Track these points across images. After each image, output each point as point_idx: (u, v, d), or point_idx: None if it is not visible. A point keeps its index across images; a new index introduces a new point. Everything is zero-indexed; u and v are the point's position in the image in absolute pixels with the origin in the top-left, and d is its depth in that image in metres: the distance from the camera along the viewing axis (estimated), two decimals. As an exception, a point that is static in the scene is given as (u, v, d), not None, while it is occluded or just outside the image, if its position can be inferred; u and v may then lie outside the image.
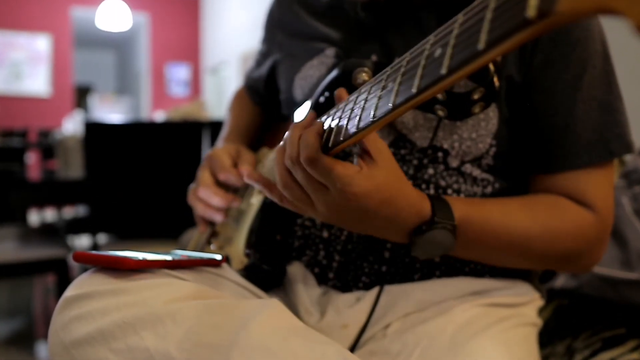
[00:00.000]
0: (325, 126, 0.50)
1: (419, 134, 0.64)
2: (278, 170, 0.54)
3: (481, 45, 0.30)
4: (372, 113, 0.42)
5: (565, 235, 0.61)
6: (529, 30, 0.27)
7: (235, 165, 0.79)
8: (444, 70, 0.33)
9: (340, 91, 0.53)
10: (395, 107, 0.39)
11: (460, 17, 0.34)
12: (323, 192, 0.51)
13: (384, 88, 0.42)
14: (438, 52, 0.35)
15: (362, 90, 0.47)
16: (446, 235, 0.54)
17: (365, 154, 0.50)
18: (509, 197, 0.63)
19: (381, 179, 0.50)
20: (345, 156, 0.68)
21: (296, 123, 0.53)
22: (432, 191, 0.65)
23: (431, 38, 0.37)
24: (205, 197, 0.77)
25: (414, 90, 0.37)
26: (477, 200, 0.61)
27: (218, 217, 0.77)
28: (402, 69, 0.40)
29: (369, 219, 0.52)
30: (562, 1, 0.25)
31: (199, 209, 0.79)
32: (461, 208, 0.56)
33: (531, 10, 0.26)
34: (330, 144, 0.48)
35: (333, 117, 0.50)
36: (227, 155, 0.79)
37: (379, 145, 0.50)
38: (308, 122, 0.53)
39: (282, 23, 0.83)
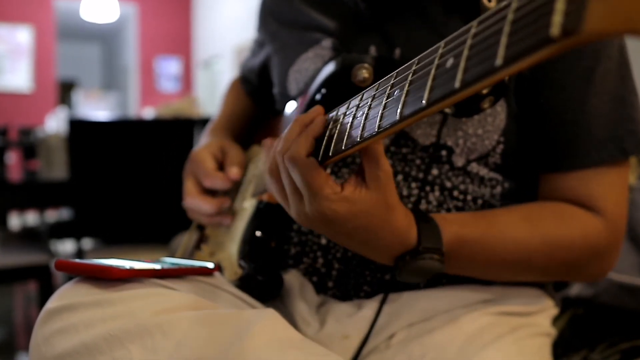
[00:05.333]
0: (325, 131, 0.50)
1: (421, 132, 0.64)
2: (267, 158, 0.55)
3: (499, 61, 0.30)
4: (377, 123, 0.42)
5: (569, 245, 0.60)
6: (551, 48, 0.27)
7: (221, 166, 0.79)
8: (457, 84, 0.33)
9: (315, 112, 0.52)
10: (402, 118, 0.39)
11: (473, 26, 0.33)
12: (298, 199, 0.51)
13: (389, 96, 0.42)
14: (450, 62, 0.35)
15: (365, 97, 0.47)
16: (432, 264, 0.53)
17: (359, 174, 0.50)
18: (511, 207, 0.63)
19: (361, 207, 0.49)
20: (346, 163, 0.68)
21: (301, 117, 0.52)
22: (437, 193, 0.65)
23: (441, 45, 0.37)
24: (195, 207, 0.78)
25: (423, 102, 0.37)
26: (473, 216, 0.60)
27: (225, 221, 0.77)
28: (410, 77, 0.40)
29: (342, 238, 0.53)
30: (589, 20, 0.25)
31: (199, 220, 0.80)
32: (453, 230, 0.55)
33: (555, 29, 0.26)
34: (330, 153, 0.48)
35: (333, 123, 0.49)
36: (210, 157, 0.79)
37: (378, 172, 0.48)
38: (310, 119, 0.52)
39: (276, 11, 0.83)
